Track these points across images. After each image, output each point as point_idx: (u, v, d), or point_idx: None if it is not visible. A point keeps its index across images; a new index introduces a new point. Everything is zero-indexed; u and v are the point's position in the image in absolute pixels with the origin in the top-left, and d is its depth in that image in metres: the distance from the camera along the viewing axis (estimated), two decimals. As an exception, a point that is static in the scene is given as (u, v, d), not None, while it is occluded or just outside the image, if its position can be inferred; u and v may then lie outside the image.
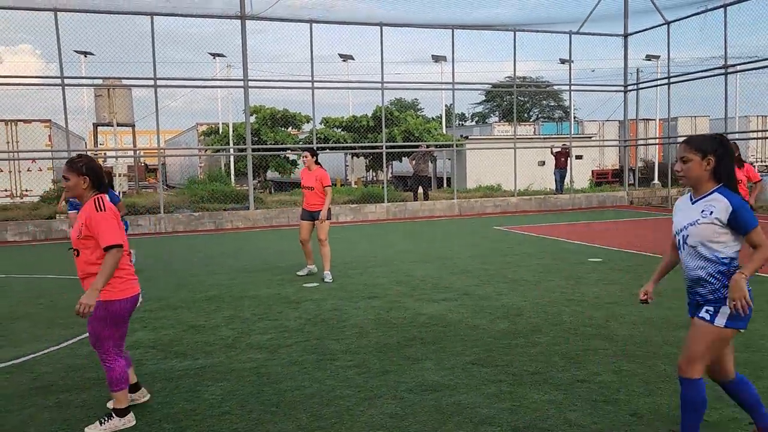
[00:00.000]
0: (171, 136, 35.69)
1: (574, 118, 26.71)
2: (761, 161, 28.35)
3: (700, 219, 2.96)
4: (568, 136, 21.94)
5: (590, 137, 26.54)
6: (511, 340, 5.28)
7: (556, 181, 20.52)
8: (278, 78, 17.49)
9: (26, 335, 5.91)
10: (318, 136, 19.62)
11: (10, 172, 19.92)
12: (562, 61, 22.49)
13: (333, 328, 5.88)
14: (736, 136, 23.03)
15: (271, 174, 26.40)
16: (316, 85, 16.89)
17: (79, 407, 4.05)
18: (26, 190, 19.91)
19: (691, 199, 3.07)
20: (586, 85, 21.06)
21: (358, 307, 6.70)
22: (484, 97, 54.68)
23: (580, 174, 22.29)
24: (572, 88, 20.29)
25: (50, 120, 20.57)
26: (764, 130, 26.34)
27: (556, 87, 34.66)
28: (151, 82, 15.45)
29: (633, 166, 23.38)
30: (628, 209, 18.88)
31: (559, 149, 20.43)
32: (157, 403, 4.09)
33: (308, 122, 23.17)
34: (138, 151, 26.40)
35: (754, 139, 27.26)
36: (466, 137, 25.38)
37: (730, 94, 17.24)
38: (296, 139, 23.65)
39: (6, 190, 19.87)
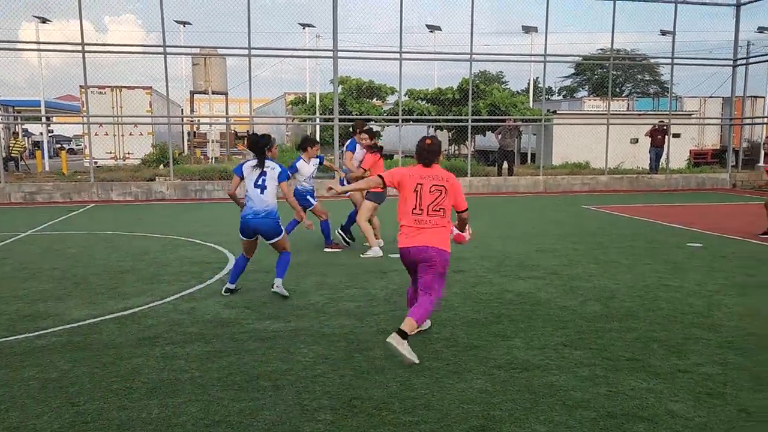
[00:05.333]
0: (260, 104, 36.65)
1: (673, 94, 25.17)
2: None
3: None
4: (666, 112, 20.74)
5: (690, 114, 24.97)
6: (605, 323, 5.11)
7: (651, 159, 19.51)
8: (366, 49, 17.52)
9: (133, 288, 6.32)
10: (402, 108, 19.55)
11: (114, 135, 21.19)
12: (663, 33, 21.13)
13: (420, 299, 5.90)
14: None
15: (355, 144, 26.60)
16: (403, 56, 16.78)
17: (183, 359, 4.30)
18: (128, 153, 21.14)
19: None
20: (691, 58, 19.71)
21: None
22: (572, 71, 52.48)
23: (677, 153, 21.07)
24: (675, 61, 19.08)
25: (151, 87, 21.63)
26: None
27: (654, 60, 32.74)
28: (245, 51, 15.87)
29: (737, 147, 21.83)
30: (730, 192, 17.73)
31: (656, 127, 19.36)
32: (255, 361, 4.27)
33: (393, 94, 23.08)
34: (229, 119, 27.34)
35: None
36: (554, 112, 24.52)
37: None
38: (381, 111, 23.67)
39: (110, 153, 21.17)
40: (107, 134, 21.01)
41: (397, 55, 16.71)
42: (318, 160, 8.38)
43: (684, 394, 3.69)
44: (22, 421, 3.39)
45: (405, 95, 22.74)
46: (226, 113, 23.99)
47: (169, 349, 4.51)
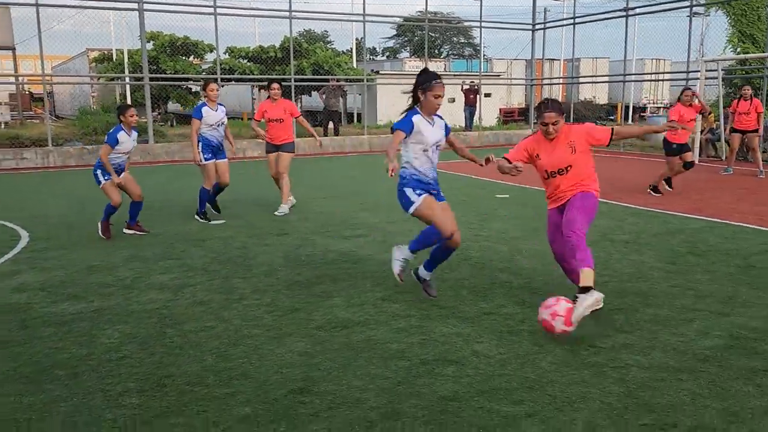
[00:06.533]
0: (59, 62, 32.65)
1: (484, 56, 26.89)
2: (653, 102, 30.01)
3: None
4: (478, 73, 22.11)
5: (499, 75, 26.92)
6: (421, 275, 5.32)
7: (465, 118, 20.78)
8: (176, 2, 16.12)
9: None
10: (222, 66, 18.61)
11: None
12: (474, -3, 22.37)
13: (240, 266, 5.71)
14: (633, 78, 24.14)
15: (172, 106, 24.92)
16: (219, 11, 15.86)
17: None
18: None
19: None
20: (495, 22, 21.16)
21: (267, 244, 6.54)
22: (395, 32, 53.81)
23: (488, 112, 22.69)
24: (483, 24, 20.30)
25: None
26: (657, 73, 27.77)
27: (467, 23, 34.69)
28: (32, 0, 13.89)
29: (538, 105, 24.09)
30: (532, 147, 19.49)
31: (469, 86, 20.60)
32: (49, 348, 3.81)
33: (211, 51, 21.86)
34: (21, 78, 24.01)
35: (648, 81, 28.72)
36: (377, 72, 25.00)
37: (629, 36, 17.88)
38: (198, 69, 22.33)
39: None
40: None
41: (212, 10, 15.74)
42: (135, 133, 7.25)
43: (488, 335, 3.97)
44: None
45: (225, 53, 21.65)
46: (15, 71, 21.02)
47: (-63, 347, 3.85)
